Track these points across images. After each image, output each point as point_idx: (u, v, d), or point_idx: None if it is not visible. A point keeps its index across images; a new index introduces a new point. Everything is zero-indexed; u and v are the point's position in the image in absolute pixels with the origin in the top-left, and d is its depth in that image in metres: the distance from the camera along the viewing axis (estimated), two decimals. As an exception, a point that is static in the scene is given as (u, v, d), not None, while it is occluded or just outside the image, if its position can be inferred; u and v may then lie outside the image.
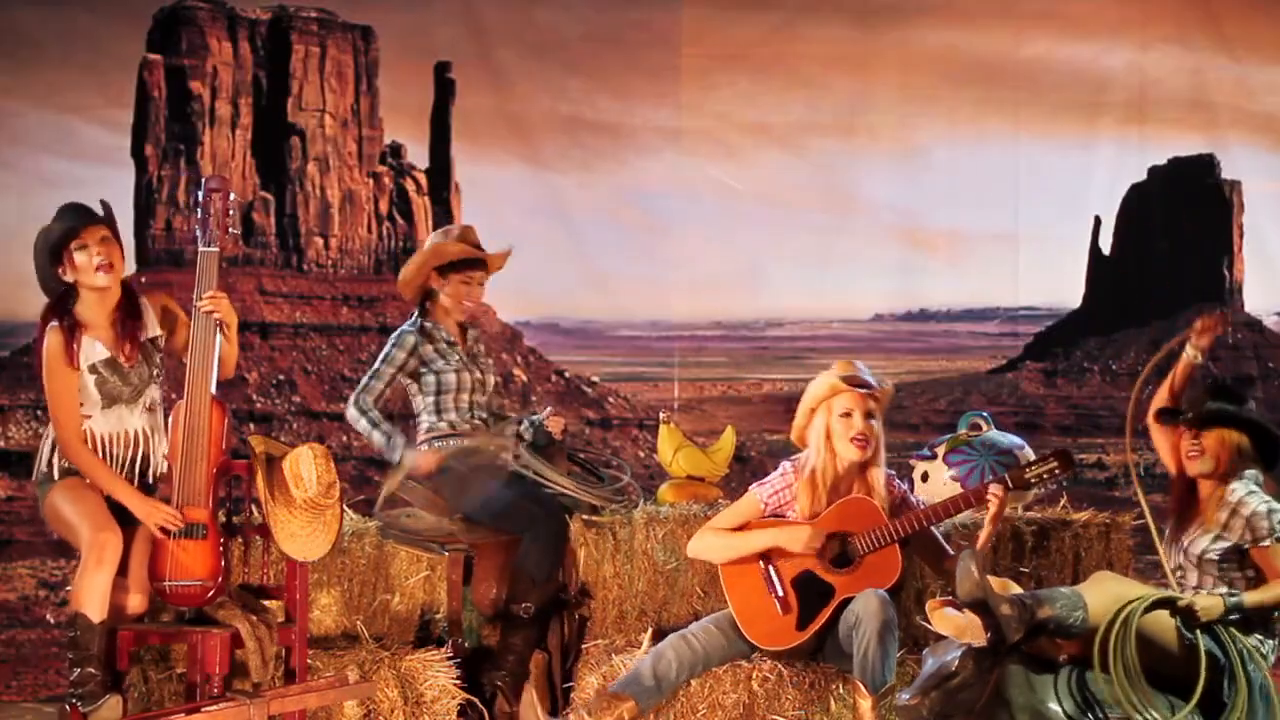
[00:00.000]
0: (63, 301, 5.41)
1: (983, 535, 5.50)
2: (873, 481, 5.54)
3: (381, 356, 6.21)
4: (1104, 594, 5.01)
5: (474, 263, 6.27)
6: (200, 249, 5.44)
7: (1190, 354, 5.55)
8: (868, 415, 5.51)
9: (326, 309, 12.22)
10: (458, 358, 6.21)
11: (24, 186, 10.78)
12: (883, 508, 5.51)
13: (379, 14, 11.96)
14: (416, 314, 6.30)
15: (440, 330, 6.24)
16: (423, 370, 6.19)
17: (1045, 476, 5.54)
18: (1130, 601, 4.99)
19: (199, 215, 5.47)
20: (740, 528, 5.60)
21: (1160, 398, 5.59)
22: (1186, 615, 5.07)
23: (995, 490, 5.46)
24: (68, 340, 5.34)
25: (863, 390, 5.52)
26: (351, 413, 6.15)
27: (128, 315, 5.45)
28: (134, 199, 11.71)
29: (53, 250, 5.37)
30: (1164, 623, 5.06)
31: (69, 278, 5.39)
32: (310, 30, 12.20)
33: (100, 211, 5.41)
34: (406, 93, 12.07)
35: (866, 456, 5.51)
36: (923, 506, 5.63)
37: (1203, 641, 5.06)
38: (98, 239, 5.37)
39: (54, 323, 5.37)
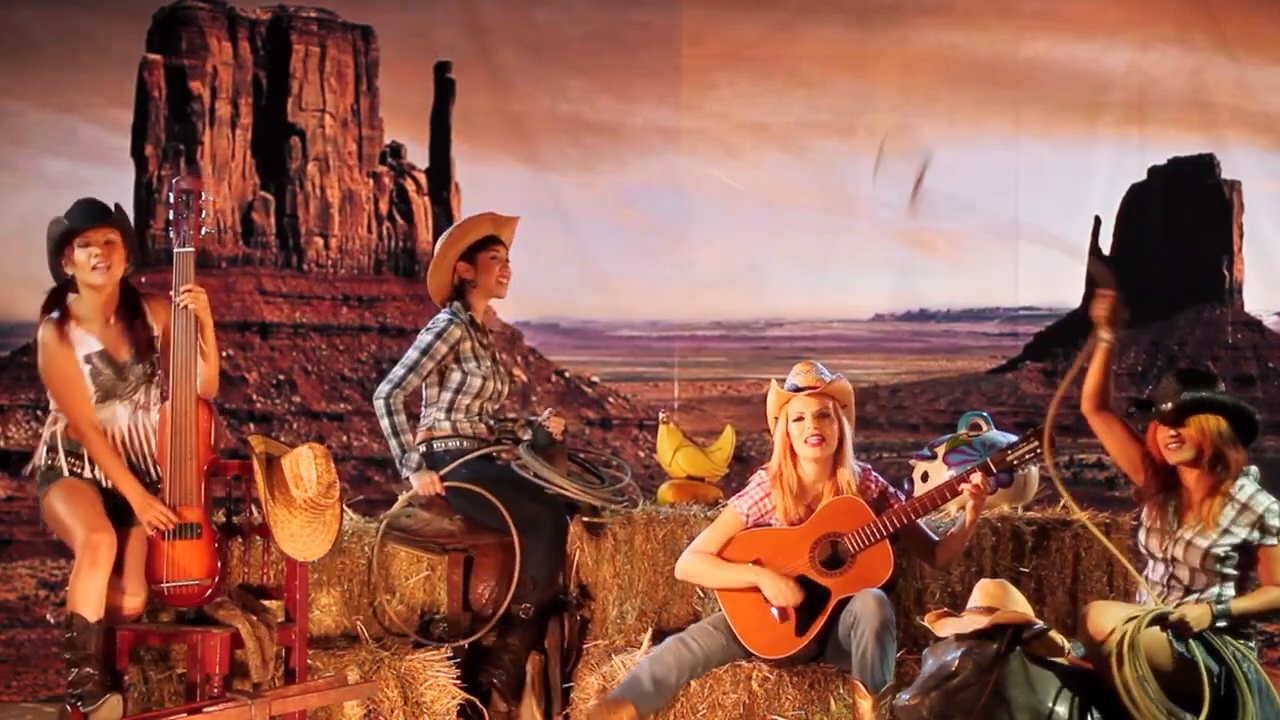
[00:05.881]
0: (59, 293, 5.43)
1: (966, 521, 5.50)
2: (841, 483, 5.54)
3: (420, 346, 5.98)
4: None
5: (494, 238, 6.16)
6: (175, 249, 5.43)
7: (1105, 338, 5.41)
8: (820, 414, 5.53)
9: (326, 309, 12.23)
10: (490, 363, 6.09)
11: (24, 186, 10.80)
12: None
13: (379, 14, 11.99)
14: (459, 305, 6.05)
15: (481, 329, 6.09)
16: (453, 366, 6.08)
17: (1028, 457, 5.51)
18: (1127, 621, 5.00)
19: (172, 216, 5.46)
20: (726, 544, 5.61)
21: (1089, 386, 5.46)
22: (1178, 628, 5.07)
23: (976, 477, 5.46)
24: (60, 328, 5.36)
25: (809, 391, 5.54)
26: (379, 405, 5.98)
27: (126, 313, 5.46)
28: (134, 199, 11.72)
29: (57, 243, 5.41)
30: (1157, 638, 5.07)
31: (69, 271, 5.42)
32: (310, 30, 12.21)
33: (113, 212, 5.44)
34: (406, 93, 12.09)
35: (823, 453, 5.51)
36: (906, 500, 5.63)
37: (1198, 652, 5.06)
38: (101, 240, 5.38)
39: (47, 315, 5.40)
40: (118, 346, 5.43)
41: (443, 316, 6.02)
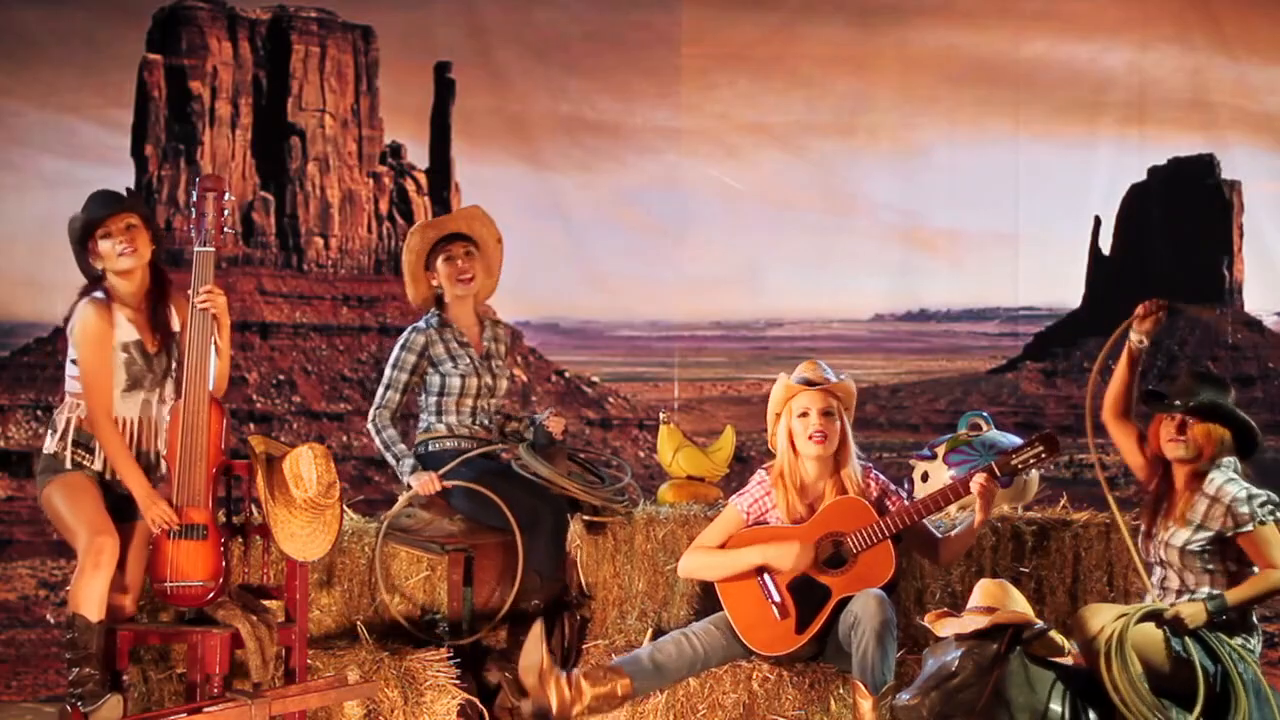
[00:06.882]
0: (98, 282, 5.47)
1: (975, 522, 5.51)
2: (845, 482, 5.55)
3: (392, 363, 6.13)
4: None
5: (449, 238, 6.21)
6: (196, 249, 5.47)
7: (1135, 340, 5.47)
8: (825, 412, 5.55)
9: (326, 309, 12.22)
10: (468, 360, 6.13)
11: (24, 186, 10.78)
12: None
13: (379, 14, 11.97)
14: (433, 311, 6.22)
15: (453, 329, 6.18)
16: (430, 371, 6.14)
17: (1032, 461, 5.54)
18: (1117, 618, 5.00)
19: (194, 215, 5.49)
20: (726, 541, 5.62)
21: (1113, 392, 5.51)
22: (1173, 625, 5.07)
23: (981, 480, 5.47)
24: (104, 310, 5.38)
25: (816, 387, 5.55)
26: (370, 428, 6.14)
27: (156, 302, 5.49)
28: (134, 199, 11.68)
29: (79, 239, 5.45)
30: (1151, 635, 5.07)
31: (98, 265, 5.46)
32: (310, 30, 12.20)
33: (127, 197, 5.49)
34: (406, 93, 12.07)
35: (826, 451, 5.53)
36: (910, 500, 5.65)
37: (1194, 651, 5.06)
38: (122, 226, 5.43)
39: (91, 294, 5.41)
40: (148, 336, 5.45)
41: (408, 329, 6.17)
